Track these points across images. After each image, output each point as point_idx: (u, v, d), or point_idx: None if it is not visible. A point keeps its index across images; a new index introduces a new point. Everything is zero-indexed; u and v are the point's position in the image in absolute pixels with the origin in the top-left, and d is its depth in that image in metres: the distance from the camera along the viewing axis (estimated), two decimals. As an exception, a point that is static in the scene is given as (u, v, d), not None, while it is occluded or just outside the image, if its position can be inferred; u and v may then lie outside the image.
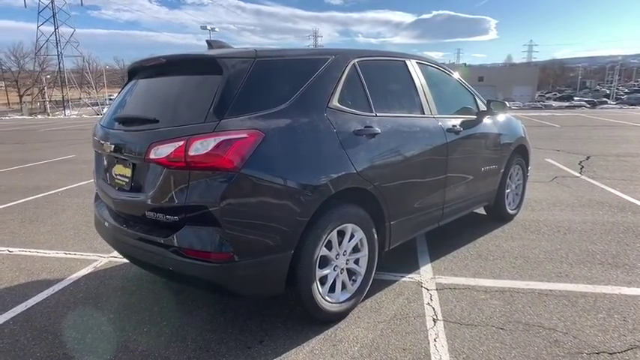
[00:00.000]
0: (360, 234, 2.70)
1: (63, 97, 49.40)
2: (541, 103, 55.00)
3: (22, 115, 41.12)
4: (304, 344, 2.41)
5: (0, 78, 61.37)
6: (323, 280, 2.54)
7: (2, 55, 54.98)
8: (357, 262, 2.76)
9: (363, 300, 2.87)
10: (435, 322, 2.63)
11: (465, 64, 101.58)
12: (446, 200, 3.47)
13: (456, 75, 3.96)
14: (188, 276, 2.21)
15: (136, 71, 2.85)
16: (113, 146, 2.48)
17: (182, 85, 2.41)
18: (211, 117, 2.12)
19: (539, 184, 6.31)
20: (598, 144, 10.57)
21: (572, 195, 5.65)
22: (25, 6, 47.47)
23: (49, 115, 40.84)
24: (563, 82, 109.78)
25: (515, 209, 4.68)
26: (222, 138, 2.06)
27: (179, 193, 2.13)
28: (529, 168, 4.92)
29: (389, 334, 2.50)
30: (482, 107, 4.03)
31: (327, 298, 2.54)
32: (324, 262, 2.54)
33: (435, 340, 2.44)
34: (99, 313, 2.79)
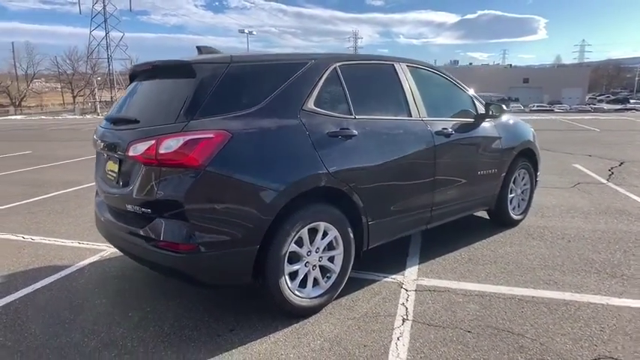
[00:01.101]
0: (334, 232, 2.78)
1: (112, 97, 52.22)
2: (591, 105, 52.28)
3: (74, 114, 43.85)
4: (270, 335, 2.53)
5: (56, 80, 65.72)
6: (293, 275, 2.65)
7: (59, 58, 58.68)
8: (331, 259, 2.84)
9: (339, 297, 2.94)
10: (403, 321, 2.67)
11: (510, 65, 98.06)
12: (435, 203, 3.47)
13: (453, 78, 3.95)
14: (162, 266, 2.39)
15: (135, 75, 3.07)
16: (103, 144, 2.71)
17: (163, 88, 2.59)
18: (182, 118, 2.28)
19: (558, 190, 6.10)
20: (638, 150, 10.00)
21: (591, 202, 5.43)
22: (80, 12, 50.67)
23: (98, 115, 43.26)
24: (618, 84, 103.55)
25: (520, 215, 4.57)
26: (188, 137, 2.22)
27: (152, 188, 2.31)
28: (538, 173, 4.79)
29: (354, 331, 2.56)
30: (481, 110, 3.99)
31: (296, 292, 2.64)
32: (295, 257, 2.64)
33: (398, 338, 2.48)
34: (93, 297, 3.03)
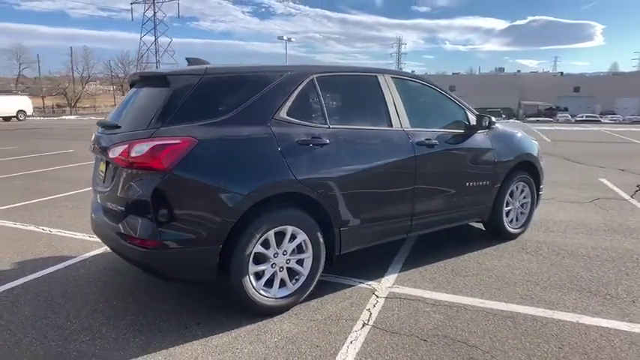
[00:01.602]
0: (302, 236, 2.91)
1: (158, 100, 54.52)
2: (647, 117, 49.05)
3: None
4: (233, 330, 2.68)
5: (109, 83, 69.75)
6: (259, 275, 2.79)
7: (112, 62, 62.29)
8: (300, 262, 2.96)
9: (309, 299, 3.05)
10: (363, 326, 2.74)
11: (562, 73, 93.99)
12: (415, 212, 3.52)
13: (445, 91, 3.96)
14: (133, 259, 2.61)
15: (132, 84, 3.34)
16: (94, 147, 2.98)
17: (145, 96, 2.83)
18: (153, 125, 2.50)
19: (573, 205, 5.90)
20: (678, 165, 9.40)
21: (603, 219, 5.22)
22: (132, 19, 53.62)
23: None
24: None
25: (518, 228, 4.49)
26: (155, 143, 2.43)
27: (125, 188, 2.54)
28: (541, 186, 4.69)
29: (312, 332, 2.67)
30: (473, 122, 3.98)
31: (261, 292, 2.78)
32: (262, 258, 2.79)
33: (351, 342, 2.56)
34: (87, 287, 3.31)
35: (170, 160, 2.42)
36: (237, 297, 2.73)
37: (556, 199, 6.31)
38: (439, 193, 3.68)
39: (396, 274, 3.56)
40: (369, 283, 3.38)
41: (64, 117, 46.56)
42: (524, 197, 4.52)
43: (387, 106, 3.41)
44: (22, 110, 29.38)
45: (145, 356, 2.42)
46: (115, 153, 2.59)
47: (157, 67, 56.66)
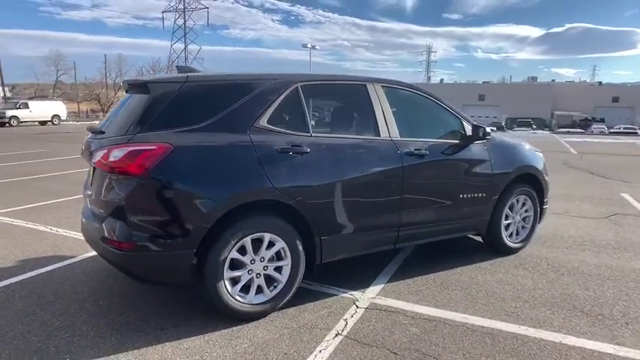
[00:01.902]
0: (281, 244, 2.93)
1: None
2: (691, 129, 46.52)
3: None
4: (207, 334, 2.72)
5: (143, 89, 71.99)
6: (235, 281, 2.83)
7: (144, 69, 64.46)
8: (279, 269, 2.98)
9: (288, 306, 3.06)
10: (336, 335, 2.73)
11: (600, 82, 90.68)
12: (403, 223, 3.48)
13: (440, 100, 3.91)
14: (111, 261, 2.69)
15: (126, 90, 3.46)
16: (83, 151, 3.11)
17: (129, 103, 2.93)
18: (131, 131, 2.59)
19: (586, 220, 5.67)
20: None
21: (616, 236, 5.00)
22: (164, 27, 55.60)
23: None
24: None
25: (519, 243, 4.36)
26: (131, 148, 2.52)
27: (105, 191, 2.64)
28: (545, 200, 4.54)
29: (284, 339, 2.68)
30: (469, 132, 3.91)
31: (237, 297, 2.82)
32: (238, 264, 2.82)
33: (320, 350, 2.56)
34: (79, 286, 3.43)
35: (145, 165, 2.50)
36: (211, 301, 2.77)
37: (569, 213, 6.09)
38: (429, 204, 3.63)
39: (382, 285, 3.52)
40: (353, 293, 3.36)
41: (96, 122, 48.37)
42: (526, 211, 4.39)
43: (375, 116, 3.40)
44: (56, 115, 30.74)
45: (117, 355, 2.49)
46: (96, 157, 2.70)
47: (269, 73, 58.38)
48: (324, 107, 3.32)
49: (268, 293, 2.94)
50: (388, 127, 3.42)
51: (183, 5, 57.78)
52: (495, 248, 4.26)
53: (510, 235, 4.31)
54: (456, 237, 4.11)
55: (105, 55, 59.12)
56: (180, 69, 3.23)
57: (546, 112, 59.33)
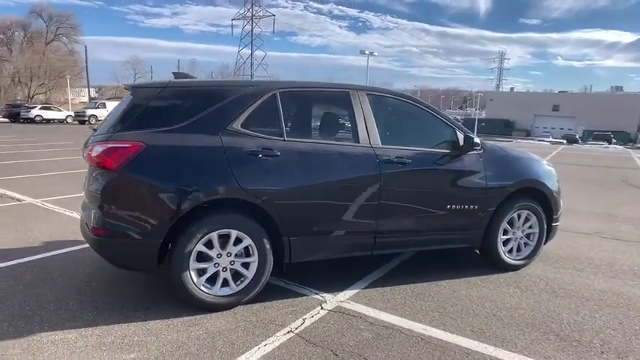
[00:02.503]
0: (248, 241, 3.09)
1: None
2: None
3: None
4: (171, 319, 2.95)
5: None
6: (202, 272, 3.03)
7: (213, 74, 68.16)
8: (246, 265, 3.14)
9: (256, 302, 3.21)
10: (287, 333, 2.83)
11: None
12: (380, 230, 3.49)
13: (432, 108, 3.86)
14: (91, 247, 3.01)
15: None
16: (83, 148, 3.48)
17: (120, 105, 3.25)
18: (111, 130, 2.90)
19: (616, 243, 5.24)
20: None
21: (643, 261, 4.58)
22: (232, 34, 58.77)
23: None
24: None
25: (519, 260, 4.15)
26: (109, 145, 2.82)
27: (91, 183, 2.96)
28: (555, 216, 4.28)
29: (238, 331, 2.83)
30: (462, 143, 3.81)
31: (202, 288, 3.02)
32: (205, 257, 3.02)
33: (265, 345, 2.68)
34: (83, 267, 3.83)
35: (119, 161, 2.79)
36: (176, 290, 2.99)
37: (601, 234, 5.64)
38: (411, 213, 3.60)
39: (357, 290, 3.55)
40: (325, 295, 3.43)
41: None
42: (530, 227, 4.17)
43: (355, 123, 3.46)
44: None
45: (87, 329, 2.79)
46: (85, 153, 3.04)
47: (250, 79, 60.93)
48: (302, 113, 3.43)
49: (234, 287, 3.11)
50: (369, 134, 3.46)
51: (251, 13, 60.61)
52: (493, 264, 4.10)
53: (510, 252, 4.13)
54: (450, 249, 4.02)
55: (178, 60, 63.44)
56: (176, 75, 3.52)
57: (632, 125, 54.07)
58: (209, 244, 3.01)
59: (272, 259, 3.19)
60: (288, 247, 3.22)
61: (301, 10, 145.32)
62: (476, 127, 34.89)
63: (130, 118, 2.93)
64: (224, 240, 3.05)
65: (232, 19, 63.99)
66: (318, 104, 3.53)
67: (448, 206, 3.72)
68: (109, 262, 3.09)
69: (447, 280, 3.84)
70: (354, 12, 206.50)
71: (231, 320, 2.98)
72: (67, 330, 2.77)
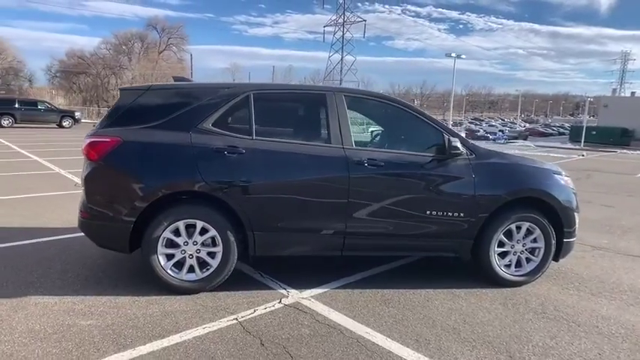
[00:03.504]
0: (213, 232, 3.32)
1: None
2: None
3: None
4: (137, 297, 3.28)
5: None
6: (170, 257, 3.33)
7: (305, 79, 70.64)
8: (212, 255, 3.37)
9: (222, 289, 3.42)
10: (231, 320, 3.00)
11: None
12: (349, 232, 3.49)
13: (419, 111, 3.74)
14: (79, 227, 3.46)
15: None
16: None
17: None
18: (98, 126, 3.33)
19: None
20: None
21: (686, 291, 3.92)
22: (324, 41, 60.35)
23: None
24: None
25: (519, 276, 3.82)
26: (92, 139, 3.25)
27: (82, 172, 3.43)
28: (568, 230, 3.84)
29: (187, 313, 3.07)
30: (462, 148, 3.60)
31: (169, 272, 3.31)
32: (174, 244, 3.31)
33: (204, 327, 2.88)
34: (92, 249, 4.25)
35: (100, 153, 3.21)
36: (148, 270, 3.33)
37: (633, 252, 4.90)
38: (384, 216, 3.53)
39: (326, 290, 3.59)
40: (291, 290, 3.53)
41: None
42: (534, 241, 3.82)
43: (328, 124, 3.51)
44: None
45: (68, 297, 3.24)
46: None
47: (339, 84, 61.87)
48: (277, 114, 3.56)
49: (199, 274, 3.36)
50: (342, 135, 3.48)
51: (343, 19, 61.71)
52: (487, 278, 3.83)
53: (508, 266, 3.82)
54: (453, 259, 3.86)
55: (273, 67, 66.80)
56: (175, 79, 3.89)
57: None
58: (177, 232, 3.30)
59: (236, 250, 3.38)
60: (252, 241, 3.39)
61: (398, 15, 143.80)
62: (583, 135, 31.49)
63: (115, 116, 3.35)
64: (191, 229, 3.32)
65: (324, 26, 65.91)
66: (293, 106, 3.64)
67: (428, 212, 3.58)
68: (93, 242, 3.52)
69: (429, 290, 3.69)
70: (454, 14, 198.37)
71: (189, 303, 3.23)
72: (52, 296, 3.25)
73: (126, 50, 54.48)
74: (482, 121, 69.77)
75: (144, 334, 2.77)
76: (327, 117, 3.53)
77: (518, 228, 3.78)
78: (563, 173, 4.02)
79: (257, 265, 3.97)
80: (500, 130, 48.06)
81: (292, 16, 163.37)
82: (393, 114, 3.77)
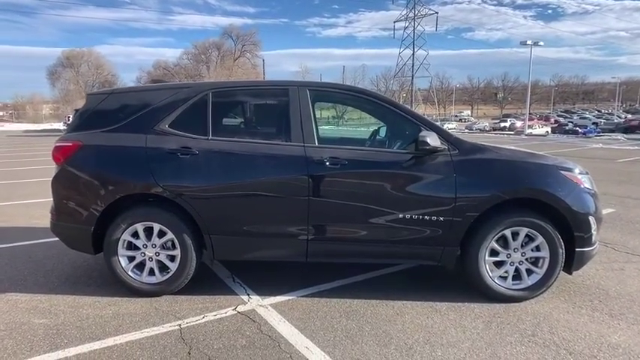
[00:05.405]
0: (170, 235, 3.28)
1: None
2: None
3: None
4: (100, 297, 3.35)
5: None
6: (131, 259, 3.34)
7: (376, 77, 69.53)
8: (172, 258, 3.33)
9: (184, 293, 3.37)
10: (174, 326, 2.92)
11: None
12: (312, 236, 3.25)
13: (395, 104, 3.36)
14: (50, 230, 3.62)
15: None
16: None
17: None
18: (66, 131, 3.44)
19: None
20: None
21: None
22: (394, 37, 58.89)
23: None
24: None
25: (519, 290, 3.29)
26: (57, 144, 3.36)
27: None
28: (584, 235, 3.21)
29: (136, 315, 3.06)
30: (431, 142, 3.17)
31: (130, 273, 3.33)
32: (134, 246, 3.33)
33: (143, 331, 2.84)
34: (73, 254, 4.36)
35: (63, 157, 3.32)
36: (110, 272, 3.37)
37: None
38: (351, 220, 3.23)
39: (289, 298, 3.38)
40: (254, 297, 3.38)
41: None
42: (535, 250, 3.27)
43: (289, 121, 3.29)
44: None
45: (39, 295, 3.40)
46: None
47: (411, 81, 60.02)
48: (236, 113, 3.42)
49: (159, 277, 3.34)
50: (304, 132, 3.25)
51: (414, 13, 59.78)
52: (479, 291, 3.35)
53: (504, 278, 3.31)
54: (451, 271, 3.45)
55: (344, 67, 66.83)
56: (153, 81, 3.95)
57: None
58: (136, 235, 3.31)
59: (194, 254, 3.30)
60: (210, 245, 3.29)
61: (478, 4, 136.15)
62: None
63: (80, 121, 3.45)
64: (149, 232, 3.30)
65: (394, 22, 64.31)
66: (254, 103, 3.47)
67: (400, 215, 3.21)
68: (64, 243, 3.65)
69: (407, 302, 3.32)
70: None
71: (145, 306, 3.22)
72: (26, 293, 3.44)
73: (204, 59, 58.05)
74: (574, 113, 63.38)
75: (83, 336, 2.80)
76: (289, 113, 3.31)
77: (515, 234, 3.25)
78: (577, 170, 3.38)
79: (234, 269, 3.88)
80: (593, 123, 43.09)
81: (365, 15, 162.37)
82: (366, 108, 3.45)
